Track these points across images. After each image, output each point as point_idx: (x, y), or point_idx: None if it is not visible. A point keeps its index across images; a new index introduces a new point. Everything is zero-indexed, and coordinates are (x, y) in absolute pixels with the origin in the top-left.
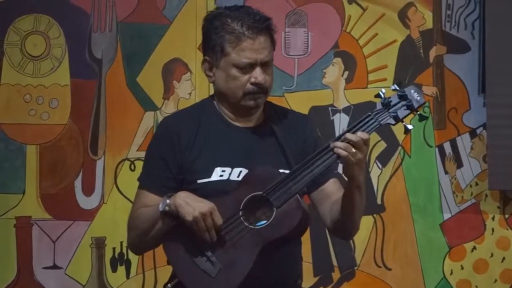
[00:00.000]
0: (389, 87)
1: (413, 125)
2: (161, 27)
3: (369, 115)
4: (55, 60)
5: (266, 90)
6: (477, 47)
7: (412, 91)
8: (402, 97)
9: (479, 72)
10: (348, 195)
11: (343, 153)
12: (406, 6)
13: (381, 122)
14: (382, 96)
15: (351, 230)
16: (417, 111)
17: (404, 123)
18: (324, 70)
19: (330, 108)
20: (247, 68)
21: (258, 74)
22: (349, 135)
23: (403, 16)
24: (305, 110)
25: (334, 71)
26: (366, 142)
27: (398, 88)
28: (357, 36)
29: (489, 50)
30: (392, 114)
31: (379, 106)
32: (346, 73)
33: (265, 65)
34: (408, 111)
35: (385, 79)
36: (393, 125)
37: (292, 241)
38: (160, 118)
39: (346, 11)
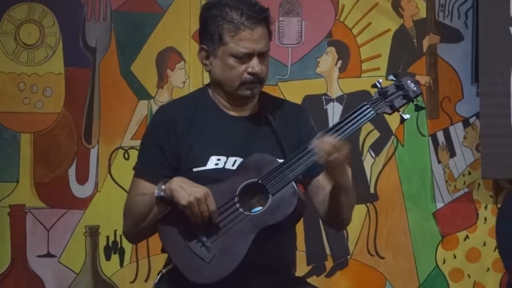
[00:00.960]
0: (383, 76)
1: (409, 115)
2: (155, 15)
3: (366, 104)
4: (49, 48)
5: (262, 80)
6: (470, 37)
7: (409, 81)
8: (399, 87)
9: (472, 61)
10: (333, 195)
11: (321, 156)
12: None
13: (378, 111)
14: (379, 86)
15: (342, 223)
16: (413, 101)
17: (400, 113)
18: (317, 59)
19: (323, 97)
20: (245, 58)
21: (255, 64)
22: (315, 141)
23: (396, 5)
24: (298, 99)
25: (328, 60)
26: (343, 145)
27: (394, 78)
28: (351, 25)
29: (482, 39)
30: (389, 103)
31: (375, 96)
32: (340, 62)
33: (262, 55)
34: (404, 101)
35: (378, 68)
36: (389, 114)
37: (287, 229)
38: (154, 107)
39: (340, 0)
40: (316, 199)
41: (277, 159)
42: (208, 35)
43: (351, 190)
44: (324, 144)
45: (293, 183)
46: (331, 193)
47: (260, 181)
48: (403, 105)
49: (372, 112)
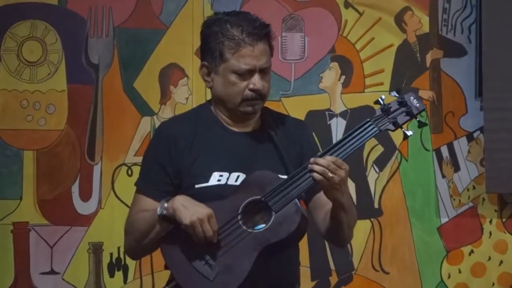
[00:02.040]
0: (386, 91)
1: (412, 131)
2: (157, 32)
3: (368, 121)
4: (52, 65)
5: (264, 97)
6: (474, 51)
7: (412, 97)
8: (402, 103)
9: (476, 76)
10: (333, 214)
11: (317, 177)
12: (403, 10)
13: (381, 128)
14: (382, 102)
15: (342, 241)
16: (416, 118)
17: (403, 129)
18: (321, 75)
19: (327, 113)
20: (246, 74)
21: (256, 81)
22: (318, 160)
23: (399, 20)
24: (302, 115)
25: (331, 76)
26: (339, 165)
27: (397, 95)
28: (354, 41)
29: (486, 54)
30: (392, 120)
31: (378, 112)
32: (343, 77)
33: (264, 71)
34: (407, 117)
35: (382, 83)
36: (392, 131)
37: (290, 246)
38: (157, 123)
39: (343, 15)
40: (317, 216)
41: (280, 176)
42: (209, 52)
43: (351, 209)
44: (320, 163)
45: (296, 200)
46: (331, 212)
47: (263, 198)
48: (406, 121)
49: (375, 129)
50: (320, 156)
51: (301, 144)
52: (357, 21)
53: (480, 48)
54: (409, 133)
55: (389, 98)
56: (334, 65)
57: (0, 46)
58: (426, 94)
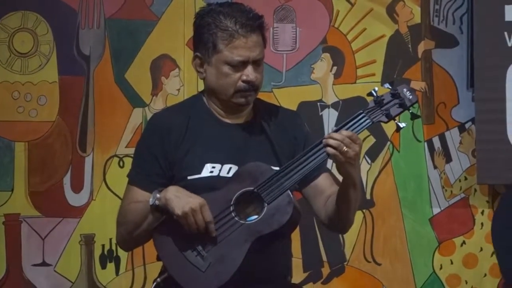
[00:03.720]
0: (378, 82)
1: (405, 123)
2: (149, 23)
3: (361, 113)
4: (43, 57)
5: (257, 88)
6: (465, 42)
7: (405, 89)
8: (395, 95)
9: (468, 66)
10: (343, 193)
11: (331, 151)
12: (394, 1)
13: (374, 119)
14: (375, 94)
15: (345, 225)
16: (409, 109)
17: (396, 121)
18: (312, 66)
19: (319, 104)
20: (239, 66)
21: (250, 72)
22: (334, 134)
23: (391, 11)
24: (293, 106)
25: (323, 67)
26: (354, 140)
27: (390, 87)
28: (346, 31)
29: (477, 44)
30: (385, 112)
31: (371, 104)
32: (335, 68)
33: (257, 63)
34: (400, 109)
35: (373, 74)
36: (385, 122)
37: (282, 237)
38: (149, 115)
39: (334, 6)
40: (316, 203)
41: (272, 167)
42: (202, 43)
43: (361, 187)
44: (335, 137)
45: (289, 191)
46: (341, 190)
47: (255, 190)
48: (399, 113)
49: (368, 120)
50: (339, 129)
51: (294, 135)
52: (349, 12)
53: (472, 39)
54: (402, 125)
55: (382, 90)
56: (326, 56)
57: None
58: (418, 85)
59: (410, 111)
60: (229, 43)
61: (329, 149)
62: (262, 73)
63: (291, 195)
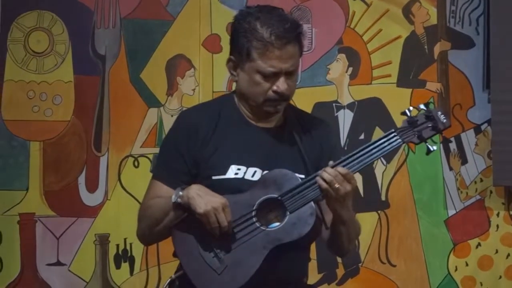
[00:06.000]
0: (394, 83)
1: (436, 146)
2: (164, 23)
3: (393, 132)
4: (59, 56)
5: (287, 98)
6: (482, 43)
7: (439, 112)
8: (429, 117)
9: (484, 68)
10: (333, 225)
11: (323, 185)
12: (411, 1)
13: (405, 139)
14: (409, 114)
15: (341, 252)
16: (442, 133)
17: (427, 143)
18: (328, 66)
19: (334, 104)
20: (271, 76)
21: (281, 83)
22: (328, 169)
23: (407, 11)
24: (309, 106)
25: (338, 67)
26: (348, 179)
27: (425, 108)
28: (361, 32)
29: (494, 46)
30: (417, 133)
31: (404, 124)
32: (350, 69)
33: (290, 73)
34: (433, 132)
35: (389, 75)
36: (416, 144)
37: (302, 247)
38: (164, 115)
39: (350, 7)
40: (324, 219)
41: (298, 175)
42: (237, 47)
43: (351, 223)
44: (328, 171)
45: (312, 203)
46: (332, 222)
47: (279, 197)
48: (431, 136)
49: (399, 140)
50: (338, 164)
51: (321, 144)
52: (365, 13)
53: (488, 40)
54: (433, 148)
55: (415, 110)
56: (342, 56)
57: (7, 36)
58: (433, 86)
59: (443, 135)
60: (263, 53)
61: (322, 183)
62: (296, 81)
63: (314, 206)
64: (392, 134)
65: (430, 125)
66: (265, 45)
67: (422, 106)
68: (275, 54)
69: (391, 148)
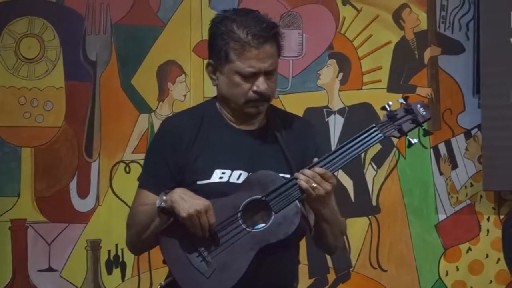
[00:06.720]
0: (384, 88)
1: (417, 139)
2: (155, 29)
3: (374, 127)
4: (50, 62)
5: (268, 98)
6: (472, 48)
7: (418, 105)
8: (408, 111)
9: (474, 73)
10: (317, 225)
11: (303, 185)
12: (401, 7)
13: (386, 134)
14: (388, 108)
15: (328, 248)
16: (421, 126)
17: (408, 137)
18: (318, 72)
19: (325, 110)
20: (250, 76)
21: (260, 83)
22: (305, 170)
23: (397, 17)
24: (299, 112)
25: (329, 73)
26: (326, 178)
27: (404, 102)
28: (352, 38)
29: (484, 51)
30: (397, 127)
31: (384, 118)
32: (341, 74)
33: (269, 73)
34: (413, 125)
35: (379, 81)
36: (398, 137)
37: (289, 246)
38: (155, 120)
39: (341, 12)
40: (311, 218)
41: (283, 175)
42: (215, 51)
43: (334, 221)
44: (305, 173)
45: (297, 202)
46: (315, 221)
47: (264, 198)
48: (412, 129)
49: (380, 134)
50: (319, 162)
51: (305, 144)
52: (355, 18)
53: (478, 45)
54: (414, 141)
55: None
56: (332, 62)
57: None
58: (424, 91)
59: (423, 127)
60: (241, 54)
61: (302, 183)
62: (275, 82)
63: (299, 205)
64: (373, 129)
65: (410, 118)
66: (243, 45)
67: (401, 100)
68: (252, 53)
69: (372, 142)
